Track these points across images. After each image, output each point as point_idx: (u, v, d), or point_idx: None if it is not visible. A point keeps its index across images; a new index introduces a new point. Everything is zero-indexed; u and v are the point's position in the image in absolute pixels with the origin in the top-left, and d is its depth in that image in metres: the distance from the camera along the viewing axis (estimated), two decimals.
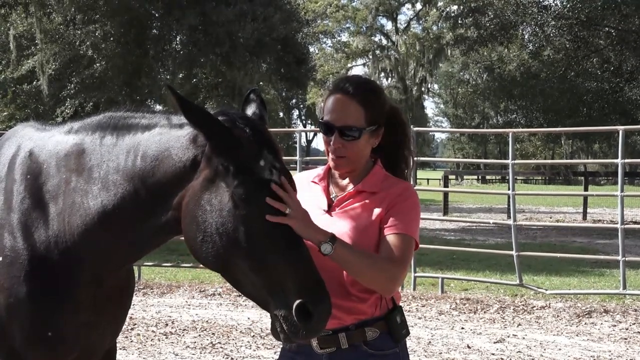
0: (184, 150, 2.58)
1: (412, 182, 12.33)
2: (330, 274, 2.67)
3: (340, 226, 2.76)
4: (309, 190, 2.92)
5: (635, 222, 21.23)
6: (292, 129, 46.55)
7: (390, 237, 2.74)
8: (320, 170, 2.99)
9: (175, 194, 2.57)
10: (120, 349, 7.12)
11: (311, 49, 43.12)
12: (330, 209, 2.84)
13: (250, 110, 2.78)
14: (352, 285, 2.74)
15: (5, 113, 30.57)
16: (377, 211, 2.78)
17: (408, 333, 2.89)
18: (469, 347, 7.63)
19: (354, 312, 2.76)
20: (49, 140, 2.92)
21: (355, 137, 2.76)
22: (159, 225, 2.65)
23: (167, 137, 2.64)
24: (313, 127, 68.12)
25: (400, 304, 2.89)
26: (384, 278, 2.68)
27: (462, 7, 27.69)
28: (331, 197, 2.88)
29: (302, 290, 2.38)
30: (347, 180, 2.89)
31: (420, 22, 55.94)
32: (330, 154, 2.81)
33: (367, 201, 2.81)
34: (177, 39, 23.82)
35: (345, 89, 2.80)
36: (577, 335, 8.21)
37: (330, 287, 2.59)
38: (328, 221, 2.78)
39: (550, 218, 24.43)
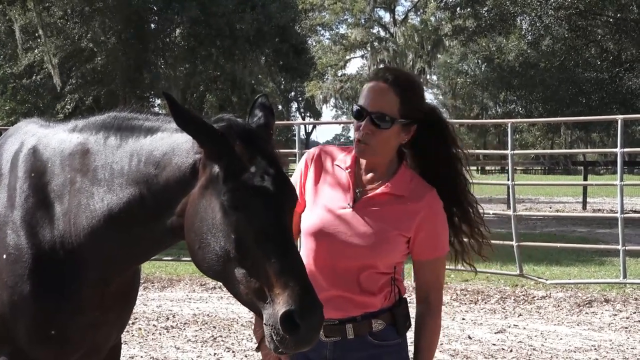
0: (185, 157, 2.54)
1: None
2: (347, 273, 2.71)
3: (362, 225, 2.75)
4: (332, 173, 2.87)
5: (635, 211, 21.22)
6: (291, 122, 46.37)
7: (431, 263, 2.85)
8: (348, 155, 2.89)
9: (179, 200, 2.53)
10: (122, 343, 7.13)
11: (309, 42, 43.01)
12: (354, 204, 2.79)
13: (256, 116, 2.69)
14: (368, 284, 2.75)
15: (7, 107, 30.54)
16: (406, 222, 2.75)
17: (410, 325, 2.91)
18: (469, 337, 7.66)
19: (364, 306, 2.77)
20: (52, 138, 2.88)
21: (386, 126, 2.71)
22: (165, 229, 2.61)
23: (168, 142, 2.61)
24: (312, 120, 68.14)
25: (405, 296, 2.91)
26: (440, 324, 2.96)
27: None
28: (357, 190, 2.82)
29: (289, 299, 2.27)
30: (371, 174, 2.83)
31: (418, 13, 55.82)
32: (356, 139, 2.76)
33: (393, 206, 2.77)
34: (177, 32, 23.73)
35: (384, 77, 2.77)
36: (577, 325, 8.24)
37: (345, 284, 2.66)
38: (351, 216, 2.77)
39: (550, 208, 24.44)
